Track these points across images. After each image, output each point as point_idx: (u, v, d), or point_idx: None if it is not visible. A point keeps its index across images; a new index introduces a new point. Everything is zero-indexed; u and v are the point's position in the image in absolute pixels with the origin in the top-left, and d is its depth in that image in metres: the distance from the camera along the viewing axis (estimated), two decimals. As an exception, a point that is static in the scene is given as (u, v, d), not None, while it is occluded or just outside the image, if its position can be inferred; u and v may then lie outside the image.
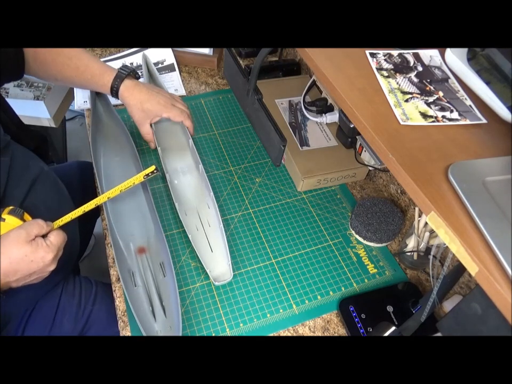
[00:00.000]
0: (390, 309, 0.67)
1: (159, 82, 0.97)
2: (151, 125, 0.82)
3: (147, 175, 0.65)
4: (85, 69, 0.76)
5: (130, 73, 0.79)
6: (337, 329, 0.67)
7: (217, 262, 0.70)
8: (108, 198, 0.63)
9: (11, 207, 0.57)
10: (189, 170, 0.84)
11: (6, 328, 0.67)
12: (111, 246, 0.70)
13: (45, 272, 0.57)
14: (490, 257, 0.36)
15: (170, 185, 0.79)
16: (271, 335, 0.65)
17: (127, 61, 1.05)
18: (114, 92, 0.78)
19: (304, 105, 0.94)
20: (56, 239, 0.57)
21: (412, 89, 0.53)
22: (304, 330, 0.66)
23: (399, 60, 0.57)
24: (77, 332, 0.72)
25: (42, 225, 0.57)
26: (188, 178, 0.82)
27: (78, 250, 0.77)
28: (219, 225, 0.74)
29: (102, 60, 1.01)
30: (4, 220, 0.56)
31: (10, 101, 1.08)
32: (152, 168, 0.66)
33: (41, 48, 0.73)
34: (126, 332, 0.64)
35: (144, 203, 0.76)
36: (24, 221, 0.57)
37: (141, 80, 0.83)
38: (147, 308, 0.63)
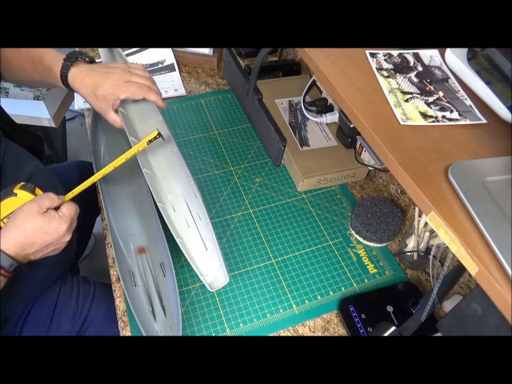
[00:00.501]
0: (390, 309, 0.67)
1: (123, 59, 0.84)
2: (117, 111, 0.69)
3: (150, 140, 0.64)
4: (39, 62, 0.67)
5: (78, 58, 0.67)
6: (337, 329, 0.67)
7: (212, 262, 0.65)
8: (114, 167, 0.63)
9: (22, 183, 0.58)
10: (164, 154, 0.72)
11: (4, 327, 0.67)
12: (111, 246, 0.70)
13: (61, 243, 0.58)
14: (490, 257, 0.36)
15: (149, 180, 0.67)
16: (271, 335, 0.65)
17: (128, 60, 1.04)
18: (66, 84, 0.67)
19: (304, 105, 0.94)
20: (69, 210, 0.57)
21: (412, 89, 0.53)
22: (304, 330, 0.66)
23: (399, 59, 0.57)
24: (75, 332, 0.72)
25: (54, 198, 0.57)
26: (166, 164, 0.72)
27: (75, 249, 0.77)
28: (206, 218, 0.68)
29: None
30: (16, 194, 0.57)
31: (10, 101, 1.09)
32: (155, 133, 0.63)
33: (6, 48, 0.67)
34: (126, 332, 0.64)
35: (144, 203, 0.76)
36: (35, 195, 0.58)
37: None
38: (147, 307, 0.63)
